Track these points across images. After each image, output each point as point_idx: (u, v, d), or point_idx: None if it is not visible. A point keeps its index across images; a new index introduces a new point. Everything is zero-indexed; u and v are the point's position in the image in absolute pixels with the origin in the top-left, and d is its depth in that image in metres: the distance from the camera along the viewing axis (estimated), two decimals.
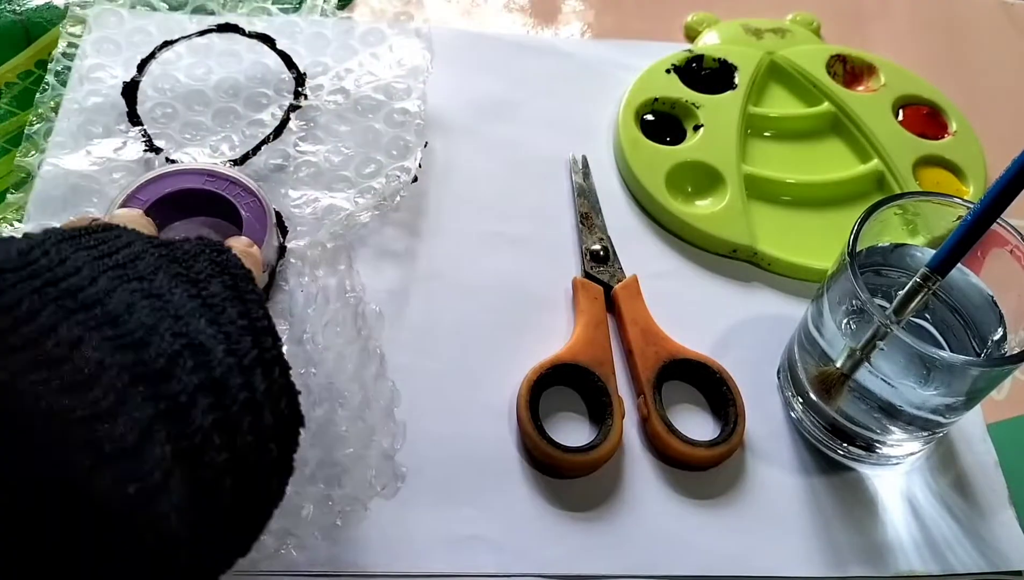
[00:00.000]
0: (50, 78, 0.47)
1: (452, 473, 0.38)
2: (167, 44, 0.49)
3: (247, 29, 0.50)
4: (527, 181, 0.48)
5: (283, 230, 0.43)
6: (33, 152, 0.45)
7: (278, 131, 0.46)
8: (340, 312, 0.40)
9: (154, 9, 0.51)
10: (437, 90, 0.51)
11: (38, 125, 0.46)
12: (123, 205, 0.39)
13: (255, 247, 0.37)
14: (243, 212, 0.40)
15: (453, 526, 0.36)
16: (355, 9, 0.55)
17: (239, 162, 0.45)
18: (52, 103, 0.46)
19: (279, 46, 0.49)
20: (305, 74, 0.48)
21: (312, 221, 0.43)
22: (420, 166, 0.46)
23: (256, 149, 0.45)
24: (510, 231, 0.46)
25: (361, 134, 0.47)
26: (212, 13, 0.52)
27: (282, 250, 0.42)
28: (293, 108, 0.47)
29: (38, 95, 0.47)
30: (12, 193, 0.43)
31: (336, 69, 0.49)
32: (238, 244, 0.35)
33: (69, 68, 0.48)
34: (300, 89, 0.48)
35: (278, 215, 0.42)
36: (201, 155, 0.45)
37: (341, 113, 0.47)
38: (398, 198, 0.44)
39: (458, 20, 0.56)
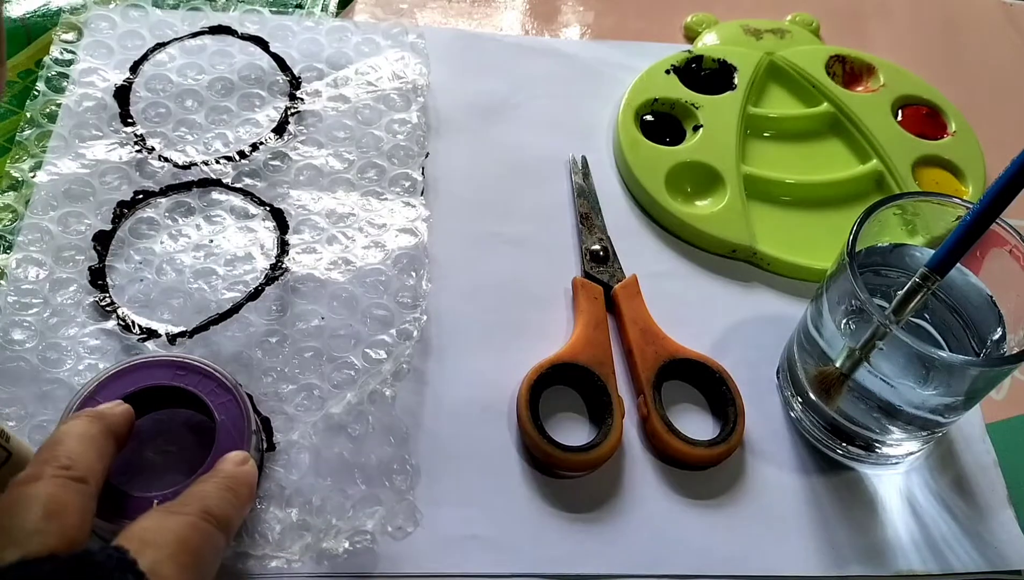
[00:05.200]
0: (41, 85, 0.47)
1: (452, 473, 0.38)
2: (160, 46, 0.49)
3: (239, 31, 0.50)
4: (527, 181, 0.48)
5: (268, 431, 0.37)
6: (25, 157, 0.45)
7: (278, 131, 0.46)
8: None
9: (143, 8, 0.51)
10: (437, 91, 0.51)
11: (29, 131, 0.45)
12: (83, 405, 0.33)
13: (249, 464, 0.33)
14: (217, 415, 0.34)
15: (453, 526, 0.36)
16: (354, 10, 0.55)
17: (238, 158, 0.45)
18: (45, 109, 0.46)
19: (272, 49, 0.50)
20: (300, 77, 0.49)
21: (314, 222, 0.44)
22: (424, 176, 0.46)
23: (255, 147, 0.45)
24: (510, 231, 0.46)
25: (362, 140, 0.47)
26: (200, 10, 0.52)
27: (266, 451, 0.36)
28: (291, 111, 0.47)
29: (29, 101, 0.46)
30: (3, 196, 0.43)
31: (333, 76, 0.49)
32: (227, 465, 0.32)
33: (61, 74, 0.48)
34: (295, 92, 0.48)
35: (265, 421, 0.37)
36: (195, 153, 0.45)
37: (341, 120, 0.47)
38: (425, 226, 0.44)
39: (458, 21, 0.56)
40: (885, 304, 0.36)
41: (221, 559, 0.30)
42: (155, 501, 0.32)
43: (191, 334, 0.39)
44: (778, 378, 0.42)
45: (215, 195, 0.44)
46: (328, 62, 0.50)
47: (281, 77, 0.49)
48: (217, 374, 0.35)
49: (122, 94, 0.47)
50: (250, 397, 0.36)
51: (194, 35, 0.50)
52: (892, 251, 0.38)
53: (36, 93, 0.47)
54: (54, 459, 0.28)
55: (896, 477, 0.40)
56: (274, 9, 0.53)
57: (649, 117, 0.51)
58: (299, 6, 0.55)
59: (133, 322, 0.39)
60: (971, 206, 0.33)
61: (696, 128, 0.50)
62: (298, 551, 0.34)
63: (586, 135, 0.51)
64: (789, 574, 0.37)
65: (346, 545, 0.34)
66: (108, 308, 0.40)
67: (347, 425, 0.37)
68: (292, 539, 0.34)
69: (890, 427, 0.37)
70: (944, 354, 0.33)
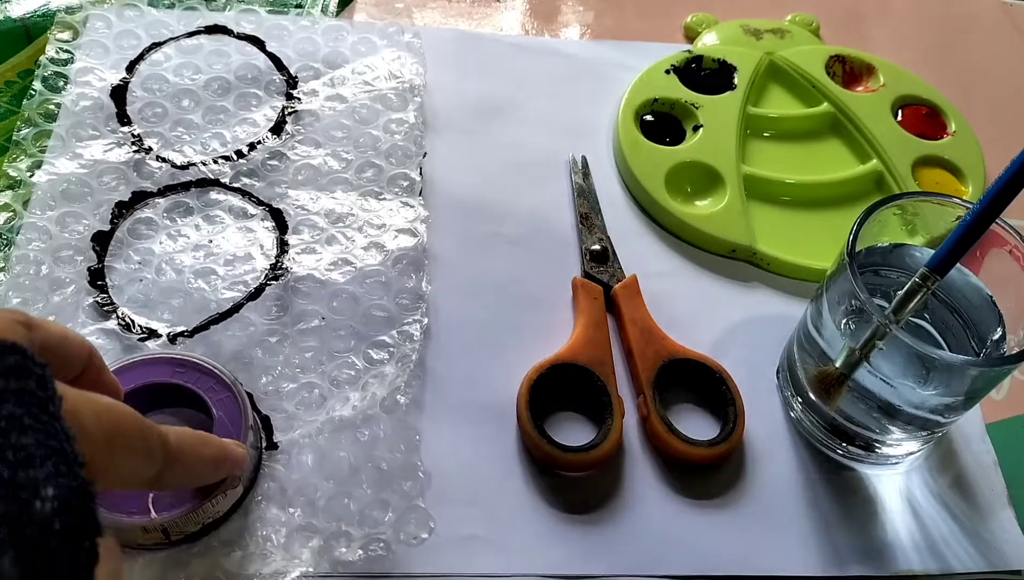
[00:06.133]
0: (37, 84, 0.47)
1: (452, 473, 0.38)
2: (156, 46, 0.49)
3: (236, 31, 0.50)
4: (527, 181, 0.48)
5: (267, 429, 0.37)
6: (22, 157, 0.45)
7: (275, 131, 0.46)
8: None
9: (139, 8, 0.51)
10: (437, 91, 0.51)
11: (26, 131, 0.45)
12: None
13: (241, 448, 0.33)
14: (215, 411, 0.35)
15: (453, 526, 0.36)
16: (354, 11, 0.55)
17: (236, 157, 0.45)
18: (41, 108, 0.46)
19: (268, 49, 0.50)
20: (297, 77, 0.49)
21: (311, 222, 0.44)
22: (422, 175, 0.46)
23: (252, 146, 0.45)
24: (510, 231, 0.46)
25: (359, 139, 0.47)
26: (196, 10, 0.52)
27: (266, 448, 0.36)
28: (288, 111, 0.47)
29: (25, 101, 0.46)
30: (2, 195, 0.43)
31: (330, 75, 0.49)
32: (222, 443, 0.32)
33: (58, 74, 0.48)
34: (292, 92, 0.48)
35: (265, 419, 0.37)
36: (193, 153, 0.45)
37: (338, 119, 0.47)
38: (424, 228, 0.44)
39: (458, 21, 0.56)
40: (885, 304, 0.36)
41: (147, 470, 0.27)
42: (150, 496, 0.32)
43: (191, 334, 0.39)
44: (778, 378, 0.42)
45: (213, 195, 0.44)
46: (325, 61, 0.50)
47: (278, 77, 0.49)
48: (215, 371, 0.35)
49: (119, 94, 0.47)
50: (249, 395, 0.36)
51: (190, 35, 0.50)
52: (892, 251, 0.38)
53: (33, 92, 0.47)
54: (10, 310, 0.26)
55: (896, 477, 0.40)
56: (271, 9, 0.53)
57: (649, 117, 0.51)
58: (298, 6, 0.55)
59: (133, 322, 0.39)
60: (971, 206, 0.33)
61: (696, 128, 0.50)
62: (310, 558, 0.34)
63: (586, 135, 0.51)
64: (789, 574, 0.37)
65: (360, 553, 0.34)
66: (108, 308, 0.40)
67: (356, 428, 0.37)
68: (299, 542, 0.34)
69: (890, 427, 0.37)
70: (944, 354, 0.33)
